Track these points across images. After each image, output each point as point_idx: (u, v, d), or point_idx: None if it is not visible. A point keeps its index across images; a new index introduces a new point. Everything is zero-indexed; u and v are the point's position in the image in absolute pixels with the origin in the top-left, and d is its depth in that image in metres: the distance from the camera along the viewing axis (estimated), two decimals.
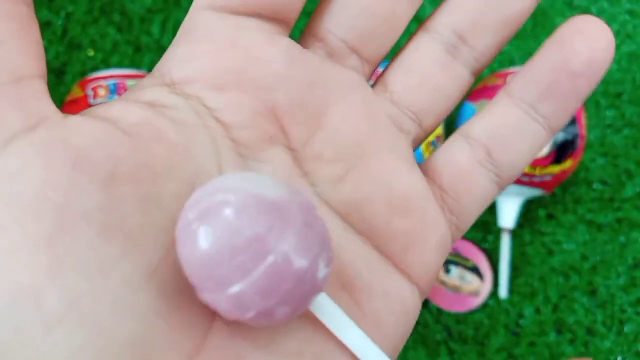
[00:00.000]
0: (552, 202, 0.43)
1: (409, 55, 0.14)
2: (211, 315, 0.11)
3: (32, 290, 0.10)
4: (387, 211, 0.14)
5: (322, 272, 0.11)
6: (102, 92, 0.35)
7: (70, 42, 0.44)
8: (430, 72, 0.14)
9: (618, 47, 0.48)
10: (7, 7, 0.11)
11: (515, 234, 0.42)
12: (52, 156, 0.10)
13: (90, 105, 0.34)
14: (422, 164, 0.15)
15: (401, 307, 0.13)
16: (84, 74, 0.43)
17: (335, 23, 0.14)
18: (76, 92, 0.36)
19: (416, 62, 0.14)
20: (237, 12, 0.13)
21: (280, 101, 0.13)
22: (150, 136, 0.11)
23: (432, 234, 0.14)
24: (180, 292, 0.11)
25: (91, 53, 0.44)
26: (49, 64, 0.43)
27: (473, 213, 0.15)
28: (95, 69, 0.43)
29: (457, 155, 0.14)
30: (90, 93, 0.35)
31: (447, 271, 0.41)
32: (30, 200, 0.10)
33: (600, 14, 0.48)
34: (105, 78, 0.36)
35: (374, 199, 0.14)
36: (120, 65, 0.44)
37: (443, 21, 0.14)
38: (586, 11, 0.48)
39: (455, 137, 0.15)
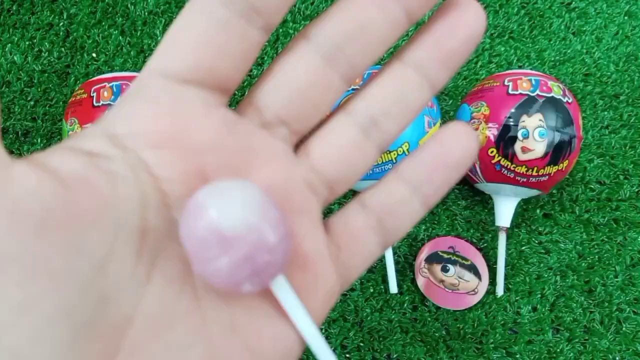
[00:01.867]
0: (549, 201, 0.43)
1: (331, 129, 0.17)
2: (118, 339, 0.13)
3: None
4: (289, 266, 0.16)
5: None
6: (105, 93, 0.35)
7: (73, 44, 0.44)
8: (346, 148, 0.17)
9: (616, 48, 0.48)
10: None
11: (513, 233, 0.42)
12: None
13: (94, 107, 0.35)
14: (325, 222, 0.17)
15: (285, 349, 0.16)
16: (87, 75, 0.43)
17: (273, 100, 0.16)
18: (80, 94, 0.36)
19: (336, 137, 0.17)
20: (183, 81, 0.15)
21: (208, 163, 0.15)
22: (81, 187, 0.13)
23: (321, 286, 0.16)
24: (95, 327, 0.13)
25: (94, 55, 0.44)
26: (52, 65, 0.44)
27: (359, 269, 0.17)
28: (99, 70, 0.44)
29: (353, 220, 0.17)
30: (94, 95, 0.35)
31: (445, 270, 0.41)
32: None
33: (598, 15, 0.49)
34: (109, 80, 0.36)
35: None
36: (123, 67, 0.44)
37: (360, 106, 0.17)
38: (584, 12, 0.49)
39: (353, 204, 0.18)
